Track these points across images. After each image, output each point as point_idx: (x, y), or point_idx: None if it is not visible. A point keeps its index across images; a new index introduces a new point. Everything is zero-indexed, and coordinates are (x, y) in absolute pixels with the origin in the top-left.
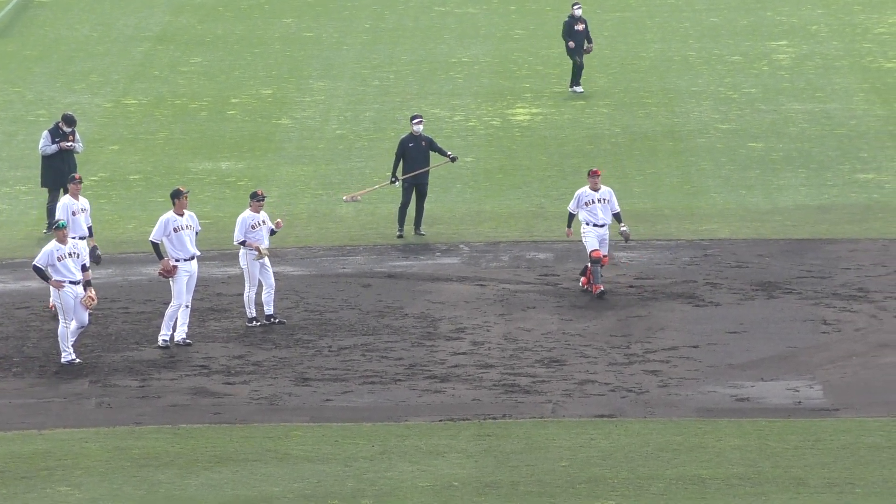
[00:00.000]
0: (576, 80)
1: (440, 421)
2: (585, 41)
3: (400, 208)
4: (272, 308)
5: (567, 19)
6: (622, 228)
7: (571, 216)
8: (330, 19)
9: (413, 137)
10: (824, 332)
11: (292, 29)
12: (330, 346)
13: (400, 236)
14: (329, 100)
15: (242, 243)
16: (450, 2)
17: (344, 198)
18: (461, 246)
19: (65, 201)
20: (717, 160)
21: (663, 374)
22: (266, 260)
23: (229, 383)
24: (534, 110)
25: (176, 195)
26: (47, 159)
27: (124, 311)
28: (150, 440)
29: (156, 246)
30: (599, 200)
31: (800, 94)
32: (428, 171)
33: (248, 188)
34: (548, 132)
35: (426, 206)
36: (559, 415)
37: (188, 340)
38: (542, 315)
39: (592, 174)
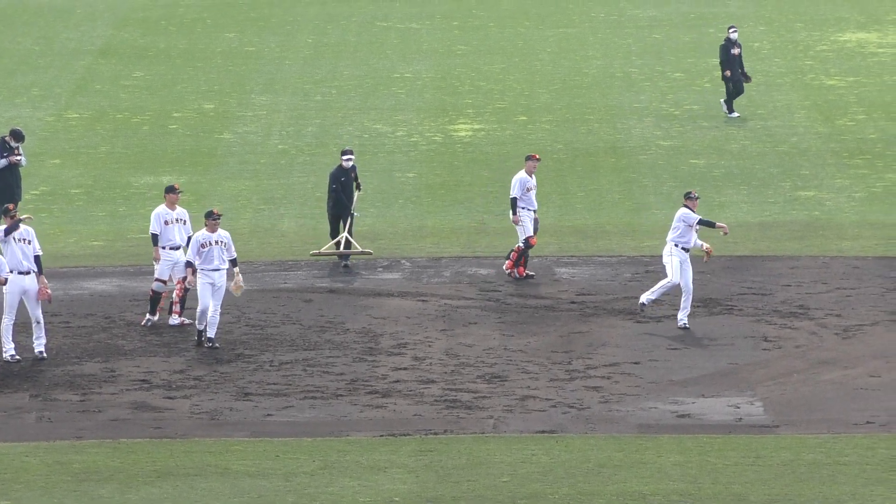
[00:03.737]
0: (730, 106)
1: (381, 436)
2: (740, 67)
3: (330, 236)
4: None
5: (723, 43)
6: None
7: (516, 201)
8: (272, 34)
9: (343, 171)
10: (765, 349)
11: (234, 43)
12: (271, 361)
13: (345, 266)
14: (271, 115)
15: (188, 264)
16: (392, 17)
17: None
18: (403, 261)
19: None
20: (659, 177)
21: (604, 390)
22: (219, 281)
23: (170, 398)
24: (476, 126)
25: (4, 212)
26: None
27: (65, 325)
28: (91, 455)
29: None
30: (534, 187)
31: (742, 111)
32: (354, 207)
33: (189, 203)
34: (490, 148)
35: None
36: (500, 430)
37: (44, 354)
38: (484, 331)
39: (535, 159)
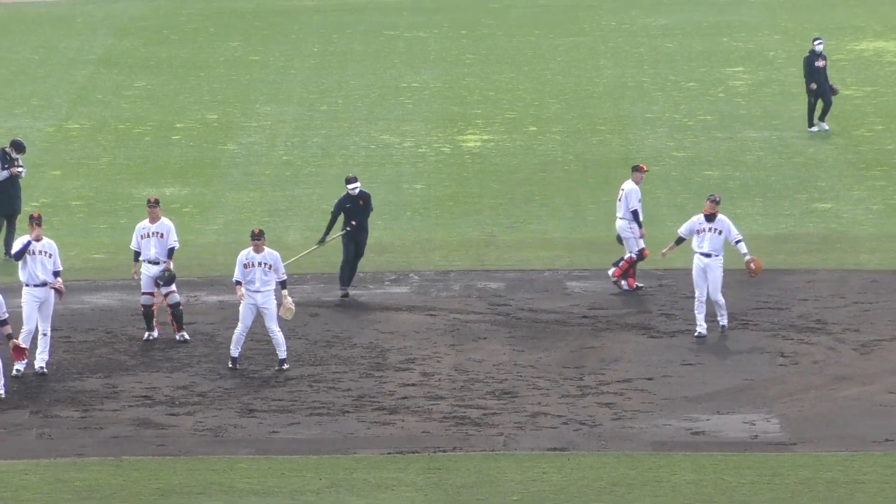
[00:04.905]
0: (811, 119)
1: (389, 454)
2: (826, 79)
3: (342, 267)
4: (283, 353)
5: (807, 55)
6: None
7: (637, 213)
8: (277, 43)
9: (350, 198)
10: (781, 365)
11: (238, 52)
12: (277, 377)
13: (345, 296)
14: (275, 125)
15: (236, 282)
16: (399, 26)
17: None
18: (411, 275)
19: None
20: (673, 188)
21: (617, 407)
22: (264, 302)
23: (173, 414)
24: (485, 137)
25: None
26: None
27: (66, 339)
28: (93, 472)
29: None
30: None
31: (756, 122)
32: (366, 228)
33: (192, 215)
34: (499, 159)
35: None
36: (511, 448)
37: (45, 370)
38: (494, 346)
39: (643, 170)
